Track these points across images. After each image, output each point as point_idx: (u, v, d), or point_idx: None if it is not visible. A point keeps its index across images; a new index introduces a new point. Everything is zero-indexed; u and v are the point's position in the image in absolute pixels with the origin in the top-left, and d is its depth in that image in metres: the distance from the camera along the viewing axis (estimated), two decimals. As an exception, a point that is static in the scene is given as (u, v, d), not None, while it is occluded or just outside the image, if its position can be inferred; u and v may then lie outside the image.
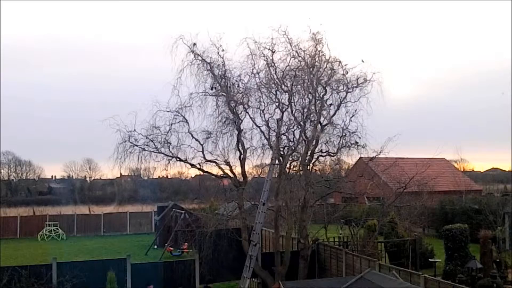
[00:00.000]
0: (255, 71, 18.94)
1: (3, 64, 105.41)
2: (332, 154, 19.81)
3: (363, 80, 19.24)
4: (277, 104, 19.07)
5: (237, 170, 19.27)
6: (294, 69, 19.04)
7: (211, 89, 18.78)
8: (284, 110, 19.02)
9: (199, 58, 18.48)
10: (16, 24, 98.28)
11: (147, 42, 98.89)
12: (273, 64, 18.99)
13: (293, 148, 19.26)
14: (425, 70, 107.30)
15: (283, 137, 19.14)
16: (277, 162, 18.97)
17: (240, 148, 18.99)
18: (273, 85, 19.04)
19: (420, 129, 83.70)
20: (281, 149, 19.07)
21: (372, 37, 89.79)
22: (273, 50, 18.87)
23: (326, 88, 19.39)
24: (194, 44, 18.38)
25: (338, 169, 22.67)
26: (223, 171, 19.09)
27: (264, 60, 18.92)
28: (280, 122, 18.94)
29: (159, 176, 69.64)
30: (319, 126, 19.38)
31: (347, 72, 19.41)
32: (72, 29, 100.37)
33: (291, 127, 19.26)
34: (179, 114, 18.45)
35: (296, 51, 18.97)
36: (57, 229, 37.51)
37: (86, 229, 39.69)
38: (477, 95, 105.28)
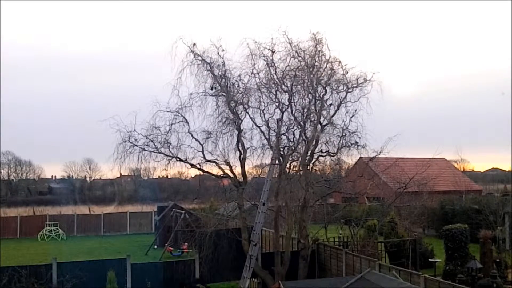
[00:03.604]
0: (255, 71, 18.95)
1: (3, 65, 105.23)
2: (332, 154, 19.82)
3: (363, 80, 19.28)
4: (277, 104, 19.07)
5: (237, 170, 19.30)
6: (294, 69, 19.03)
7: (211, 89, 18.77)
8: (284, 110, 19.03)
9: (199, 58, 18.47)
10: (16, 27, 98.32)
11: (147, 43, 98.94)
12: (273, 64, 18.99)
13: (293, 148, 19.26)
14: (426, 70, 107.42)
15: (283, 137, 19.15)
16: (277, 162, 18.96)
17: (240, 148, 18.97)
18: (273, 85, 19.04)
19: (420, 129, 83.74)
20: (281, 149, 19.06)
21: (373, 37, 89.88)
22: (273, 50, 18.89)
23: (326, 88, 19.40)
24: (194, 44, 18.40)
25: (338, 169, 22.64)
26: (223, 171, 19.08)
27: (264, 60, 18.93)
28: (280, 122, 18.94)
29: (159, 176, 69.64)
30: (319, 126, 19.39)
31: (347, 72, 19.45)
32: (72, 32, 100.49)
33: (291, 127, 19.27)
34: (179, 114, 18.44)
35: (296, 51, 18.98)
36: (57, 229, 37.51)
37: (86, 229, 39.68)
38: (477, 95, 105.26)
